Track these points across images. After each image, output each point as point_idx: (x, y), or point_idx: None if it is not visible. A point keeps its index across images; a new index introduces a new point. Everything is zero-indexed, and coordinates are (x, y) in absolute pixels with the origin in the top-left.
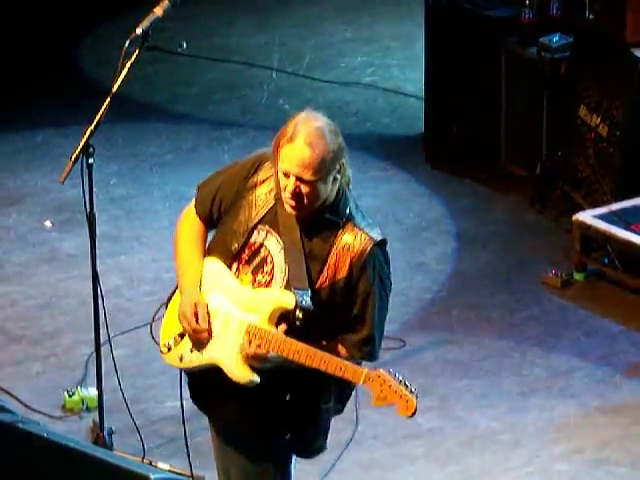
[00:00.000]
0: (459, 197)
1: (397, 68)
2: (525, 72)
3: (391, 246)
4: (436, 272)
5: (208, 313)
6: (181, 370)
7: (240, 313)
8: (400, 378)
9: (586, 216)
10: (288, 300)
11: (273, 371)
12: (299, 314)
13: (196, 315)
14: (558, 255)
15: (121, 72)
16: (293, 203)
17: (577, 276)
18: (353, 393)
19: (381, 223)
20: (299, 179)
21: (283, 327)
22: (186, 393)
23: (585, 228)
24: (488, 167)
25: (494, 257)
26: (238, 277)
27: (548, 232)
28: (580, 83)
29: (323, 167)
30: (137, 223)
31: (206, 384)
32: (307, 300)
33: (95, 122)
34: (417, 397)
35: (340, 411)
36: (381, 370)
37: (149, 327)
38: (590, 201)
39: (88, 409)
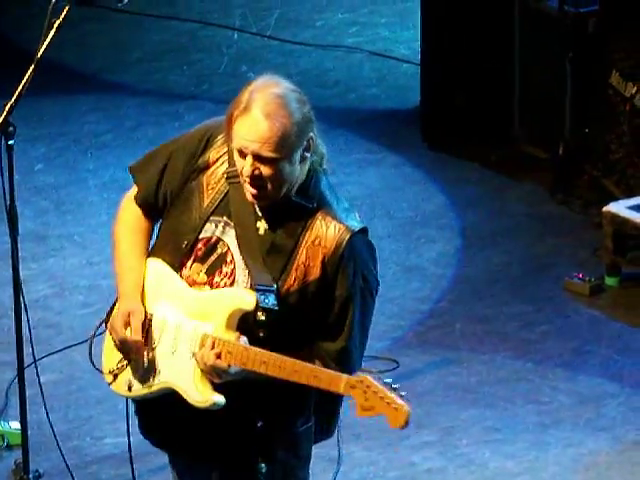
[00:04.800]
0: (463, 184)
1: (386, 27)
2: (544, 30)
3: (380, 245)
4: (435, 277)
5: (149, 324)
6: (127, 398)
7: (191, 322)
8: (387, 381)
9: (620, 207)
10: (247, 300)
11: (238, 394)
12: (261, 316)
13: (128, 325)
14: (585, 255)
15: (48, 33)
16: (254, 191)
17: (609, 281)
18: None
19: (367, 217)
20: (257, 158)
21: (243, 339)
22: (133, 426)
23: (618, 222)
24: (499, 148)
25: (507, 258)
26: (189, 278)
27: (573, 227)
28: (612, 43)
29: (285, 143)
30: (69, 218)
31: (160, 411)
32: (271, 299)
33: (16, 95)
34: (409, 402)
35: (327, 433)
36: (365, 375)
37: (88, 347)
38: (624, 189)
39: (9, 447)
